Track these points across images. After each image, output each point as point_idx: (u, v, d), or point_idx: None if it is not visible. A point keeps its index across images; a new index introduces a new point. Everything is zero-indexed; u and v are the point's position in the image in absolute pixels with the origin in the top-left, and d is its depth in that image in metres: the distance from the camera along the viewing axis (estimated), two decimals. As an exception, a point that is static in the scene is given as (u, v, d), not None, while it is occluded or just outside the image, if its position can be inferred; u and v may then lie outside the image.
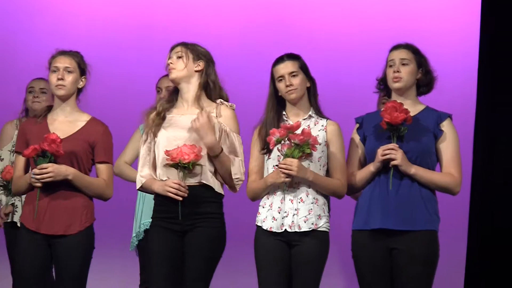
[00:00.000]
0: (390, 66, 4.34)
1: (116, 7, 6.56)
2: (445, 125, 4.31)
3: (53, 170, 4.26)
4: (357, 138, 4.42)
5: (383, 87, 4.44)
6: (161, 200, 4.25)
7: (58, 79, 4.39)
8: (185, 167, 4.14)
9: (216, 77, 4.36)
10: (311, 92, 4.38)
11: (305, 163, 4.23)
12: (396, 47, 4.37)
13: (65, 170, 4.30)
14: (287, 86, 4.31)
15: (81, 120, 4.46)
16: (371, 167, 4.28)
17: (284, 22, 6.44)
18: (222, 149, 4.23)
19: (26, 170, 4.45)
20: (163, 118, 4.32)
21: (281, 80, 4.34)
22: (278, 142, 4.20)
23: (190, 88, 4.34)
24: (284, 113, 4.38)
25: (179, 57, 4.32)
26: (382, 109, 4.26)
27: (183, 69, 4.30)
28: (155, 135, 4.30)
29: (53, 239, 4.32)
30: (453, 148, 4.30)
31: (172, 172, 4.21)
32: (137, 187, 4.36)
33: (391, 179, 4.22)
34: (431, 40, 5.88)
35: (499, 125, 5.98)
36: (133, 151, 5.03)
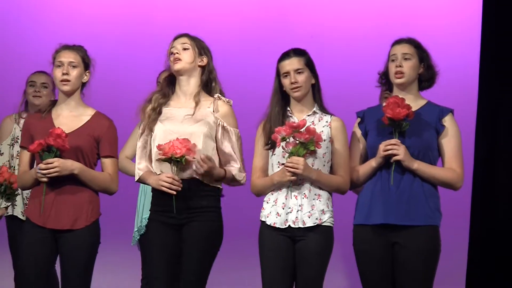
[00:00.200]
0: (392, 60, 4.34)
1: (117, 2, 6.56)
2: (447, 120, 4.30)
3: (59, 165, 4.26)
4: (358, 132, 4.42)
5: (385, 81, 4.43)
6: (156, 194, 4.27)
7: (63, 74, 4.38)
8: (178, 161, 4.14)
9: (216, 73, 4.37)
10: (316, 89, 4.37)
11: (309, 160, 4.23)
12: (398, 42, 4.37)
13: (71, 165, 4.30)
14: (292, 83, 4.31)
15: (86, 114, 4.45)
16: (372, 163, 4.28)
17: (285, 17, 6.43)
18: (225, 172, 4.27)
19: (31, 165, 4.45)
20: (159, 113, 4.32)
21: (286, 76, 4.33)
22: (284, 140, 4.19)
23: (191, 82, 4.35)
24: (288, 109, 4.37)
25: (186, 49, 4.32)
26: (384, 104, 4.26)
27: (192, 62, 4.31)
28: (151, 129, 4.31)
29: (59, 234, 4.32)
30: (455, 143, 4.30)
31: (166, 166, 4.22)
32: (135, 179, 4.38)
33: (393, 175, 4.22)
34: (432, 35, 5.87)
35: (501, 120, 5.98)
36: (133, 146, 5.02)
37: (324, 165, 4.29)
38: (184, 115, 4.28)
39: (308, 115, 4.35)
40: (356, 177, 4.33)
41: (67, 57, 4.40)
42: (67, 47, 4.45)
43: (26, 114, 5.43)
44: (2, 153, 5.45)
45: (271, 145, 4.31)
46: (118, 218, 5.60)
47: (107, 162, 4.44)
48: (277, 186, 4.29)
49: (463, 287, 6.01)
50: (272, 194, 4.31)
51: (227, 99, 4.36)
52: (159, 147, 4.17)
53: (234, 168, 4.29)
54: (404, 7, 6.34)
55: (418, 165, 4.22)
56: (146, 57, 6.22)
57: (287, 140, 4.18)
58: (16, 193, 5.27)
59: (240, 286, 6.18)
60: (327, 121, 4.33)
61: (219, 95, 4.35)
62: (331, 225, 4.25)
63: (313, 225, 4.20)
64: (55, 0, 6.57)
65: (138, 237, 5.10)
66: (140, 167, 4.34)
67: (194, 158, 4.16)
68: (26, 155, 4.45)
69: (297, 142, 4.16)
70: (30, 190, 4.47)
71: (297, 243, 4.22)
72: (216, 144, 4.29)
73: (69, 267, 4.31)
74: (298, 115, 4.35)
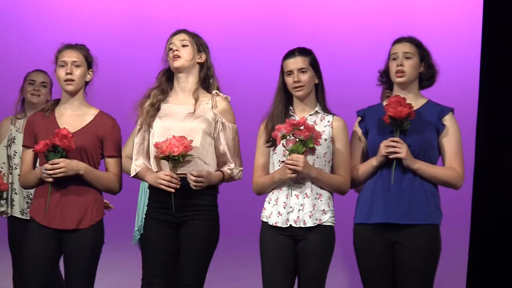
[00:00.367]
0: (393, 59, 4.34)
1: (117, 1, 6.56)
2: (447, 120, 4.30)
3: (65, 165, 4.26)
4: (359, 131, 4.42)
5: (385, 79, 4.43)
6: (154, 191, 4.27)
7: (67, 73, 4.38)
8: (175, 159, 4.15)
9: (213, 69, 4.37)
10: (319, 89, 4.37)
11: (310, 159, 4.23)
12: (399, 40, 4.37)
13: (77, 165, 4.30)
14: (295, 82, 4.31)
15: (90, 114, 4.46)
16: (373, 161, 4.28)
17: (286, 16, 6.43)
18: (223, 175, 4.30)
19: (34, 164, 4.46)
20: (158, 109, 4.32)
21: (289, 74, 4.33)
22: (284, 137, 4.19)
23: (190, 79, 4.35)
24: (290, 108, 4.37)
25: (185, 46, 4.32)
26: (385, 104, 4.26)
27: (191, 59, 4.32)
28: (149, 125, 4.31)
29: (63, 233, 4.33)
30: (455, 143, 4.29)
31: (164, 163, 4.23)
32: (131, 175, 4.38)
33: (393, 173, 4.22)
34: (433, 34, 5.88)
35: (502, 119, 5.97)
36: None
37: (325, 165, 4.29)
38: (186, 114, 4.28)
39: (310, 115, 4.34)
40: (356, 176, 4.33)
41: (70, 56, 4.40)
42: (69, 47, 4.45)
43: (22, 114, 5.45)
44: (-1, 155, 5.47)
45: (272, 143, 4.31)
46: (118, 217, 5.60)
47: (111, 162, 4.44)
48: (277, 184, 4.28)
49: (464, 286, 6.01)
50: (273, 194, 4.31)
51: (225, 95, 4.37)
52: (156, 145, 4.18)
53: (230, 168, 4.32)
54: (405, 7, 6.34)
55: (419, 165, 4.22)
56: (146, 56, 6.21)
57: (287, 137, 4.18)
58: (14, 192, 5.28)
59: (238, 285, 6.18)
60: (328, 121, 4.33)
61: (217, 92, 4.35)
62: (332, 224, 4.25)
63: (313, 225, 4.20)
64: (55, 1, 6.58)
65: (139, 236, 5.09)
66: (137, 164, 4.34)
67: (192, 156, 4.17)
68: (29, 154, 4.45)
69: (297, 139, 4.16)
70: (28, 189, 4.47)
71: (299, 243, 4.22)
72: (214, 141, 4.30)
73: (73, 266, 4.32)
74: (300, 114, 4.34)
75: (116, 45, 6.42)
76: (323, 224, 4.22)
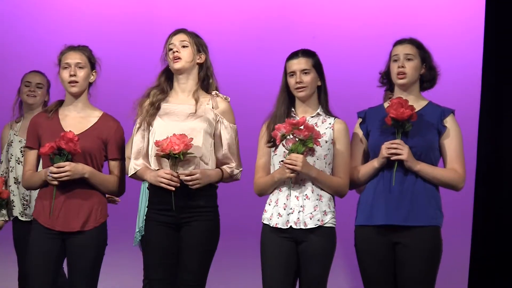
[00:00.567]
0: (395, 61, 4.34)
1: (118, 1, 6.56)
2: (449, 121, 4.30)
3: (70, 169, 4.26)
4: (360, 133, 4.41)
5: (386, 81, 4.43)
6: (154, 190, 4.27)
7: (71, 75, 4.38)
8: (176, 157, 4.14)
9: (212, 69, 4.37)
10: (322, 91, 4.37)
11: (310, 160, 4.23)
12: (400, 42, 4.37)
13: (82, 169, 4.30)
14: (297, 82, 4.30)
15: (93, 116, 4.46)
16: (375, 163, 4.27)
17: (287, 17, 6.43)
18: (222, 174, 4.31)
19: (37, 165, 4.46)
20: (158, 108, 4.32)
21: (292, 75, 4.33)
22: (284, 137, 4.19)
23: (189, 79, 4.36)
24: (292, 109, 4.37)
25: (184, 46, 4.32)
26: (387, 105, 4.25)
27: (191, 60, 4.31)
28: (149, 124, 4.30)
29: (67, 235, 4.33)
30: (456, 144, 4.29)
31: (164, 162, 4.23)
32: (129, 175, 4.37)
33: (395, 175, 4.21)
34: (435, 35, 5.88)
35: (504, 120, 5.97)
36: None
37: (325, 167, 4.28)
38: (187, 113, 4.27)
39: (312, 117, 4.34)
40: (357, 177, 4.33)
41: (74, 58, 4.40)
42: (72, 48, 4.45)
43: (21, 118, 5.45)
44: (2, 161, 5.46)
45: (273, 143, 4.31)
46: (119, 218, 5.59)
47: (115, 165, 4.45)
48: (278, 184, 4.28)
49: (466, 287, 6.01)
50: (273, 195, 4.31)
51: (225, 96, 4.37)
52: (157, 143, 4.18)
53: (230, 167, 4.32)
54: (406, 7, 6.34)
55: (420, 166, 4.21)
56: (147, 57, 6.19)
57: (287, 137, 4.17)
58: (12, 194, 5.28)
59: (239, 286, 6.18)
60: (330, 123, 4.32)
61: (217, 92, 4.35)
62: (333, 225, 4.25)
63: (314, 226, 4.20)
64: (55, 1, 6.58)
65: (140, 238, 5.09)
66: (137, 163, 4.34)
67: (193, 154, 4.18)
68: (32, 155, 4.45)
69: (297, 139, 4.16)
70: (31, 190, 4.47)
71: (300, 245, 4.22)
72: (214, 140, 4.30)
73: (76, 267, 4.33)
74: (302, 115, 4.33)
75: (116, 46, 6.42)
76: (324, 225, 4.21)
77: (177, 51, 4.31)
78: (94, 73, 4.46)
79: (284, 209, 4.25)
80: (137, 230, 5.13)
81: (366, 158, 4.38)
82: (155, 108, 4.32)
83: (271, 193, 4.33)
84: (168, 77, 4.41)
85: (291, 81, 4.33)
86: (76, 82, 4.39)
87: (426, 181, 4.24)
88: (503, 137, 5.97)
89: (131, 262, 5.59)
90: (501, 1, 6.03)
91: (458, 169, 4.27)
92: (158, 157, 4.23)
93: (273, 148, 4.33)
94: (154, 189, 4.28)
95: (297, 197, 4.24)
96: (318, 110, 4.36)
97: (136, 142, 4.35)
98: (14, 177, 5.36)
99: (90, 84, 4.47)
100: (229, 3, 6.52)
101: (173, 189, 4.18)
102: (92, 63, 4.46)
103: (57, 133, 4.29)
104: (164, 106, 4.34)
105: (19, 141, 5.35)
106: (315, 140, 4.16)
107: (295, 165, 4.15)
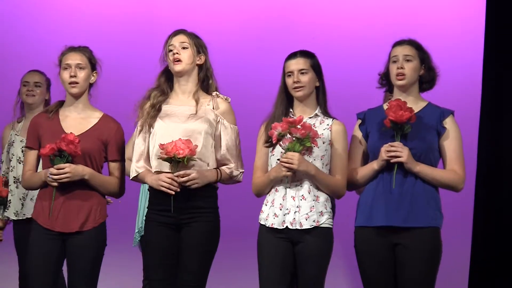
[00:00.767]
0: (394, 62, 4.33)
1: (118, 1, 6.56)
2: (448, 122, 4.30)
3: (70, 170, 4.27)
4: (359, 134, 4.41)
5: (385, 82, 4.42)
6: (154, 193, 4.27)
7: (71, 76, 4.38)
8: (179, 162, 4.14)
9: (212, 69, 4.36)
10: (320, 91, 4.36)
11: (308, 160, 4.22)
12: (400, 43, 4.36)
13: (82, 170, 4.31)
14: (294, 82, 4.30)
15: (94, 117, 4.46)
16: (374, 165, 4.27)
17: (287, 18, 6.43)
18: (220, 175, 4.29)
19: (37, 165, 4.47)
20: (159, 110, 4.31)
21: (290, 75, 4.33)
22: (280, 136, 4.18)
23: (190, 81, 4.36)
24: (290, 110, 4.36)
25: (185, 48, 4.31)
26: (386, 107, 4.24)
27: (191, 62, 4.31)
28: (150, 126, 4.30)
29: (67, 235, 4.33)
30: (456, 145, 4.29)
31: (165, 164, 4.22)
32: (131, 177, 4.37)
33: (395, 177, 4.20)
34: (435, 34, 5.87)
35: (504, 121, 5.95)
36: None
37: (322, 168, 4.27)
38: (188, 114, 4.27)
39: (310, 117, 4.34)
40: (356, 179, 4.32)
41: (74, 59, 4.41)
42: (73, 49, 4.45)
43: (22, 118, 5.45)
44: (3, 161, 5.46)
45: (270, 143, 4.30)
46: (119, 219, 5.59)
47: (115, 166, 4.46)
48: (274, 182, 4.27)
49: (466, 288, 6.01)
50: (269, 195, 4.30)
51: (225, 97, 4.36)
52: (161, 146, 4.17)
53: (230, 167, 4.31)
54: (406, 7, 6.33)
55: (420, 168, 4.21)
56: (147, 57, 6.19)
57: (284, 136, 4.17)
58: (11, 194, 5.28)
59: (239, 286, 6.18)
60: (328, 124, 4.32)
61: (217, 93, 4.35)
62: (330, 226, 4.24)
63: (310, 227, 4.19)
64: (55, 2, 6.57)
65: (139, 238, 5.09)
66: (138, 166, 4.34)
67: (195, 159, 4.17)
68: (32, 155, 4.46)
69: (293, 138, 4.15)
70: (30, 190, 4.47)
71: (296, 246, 4.21)
72: (215, 141, 4.29)
73: (76, 268, 4.33)
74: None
75: (116, 46, 6.42)
76: (321, 226, 4.21)
77: (177, 53, 4.30)
78: (94, 74, 4.46)
79: (280, 209, 4.24)
80: (136, 230, 5.13)
81: (366, 159, 4.38)
82: (156, 110, 4.32)
83: (268, 193, 4.32)
84: (168, 78, 4.40)
85: (289, 81, 4.33)
86: (77, 83, 4.39)
87: (425, 183, 4.23)
88: (504, 139, 5.95)
89: (130, 263, 5.58)
90: (502, 0, 6.01)
91: (457, 170, 4.26)
92: (160, 159, 4.22)
93: (271, 149, 4.32)
94: (154, 192, 4.28)
95: (293, 198, 4.24)
96: (316, 111, 4.35)
97: (138, 145, 4.35)
98: (14, 177, 5.36)
99: (90, 85, 4.47)
100: (229, 3, 6.52)
101: (173, 193, 4.18)
102: (93, 64, 4.46)
103: (57, 134, 4.30)
104: (164, 107, 4.34)
105: (20, 141, 5.36)
106: (313, 139, 4.16)
107: (292, 163, 4.15)
